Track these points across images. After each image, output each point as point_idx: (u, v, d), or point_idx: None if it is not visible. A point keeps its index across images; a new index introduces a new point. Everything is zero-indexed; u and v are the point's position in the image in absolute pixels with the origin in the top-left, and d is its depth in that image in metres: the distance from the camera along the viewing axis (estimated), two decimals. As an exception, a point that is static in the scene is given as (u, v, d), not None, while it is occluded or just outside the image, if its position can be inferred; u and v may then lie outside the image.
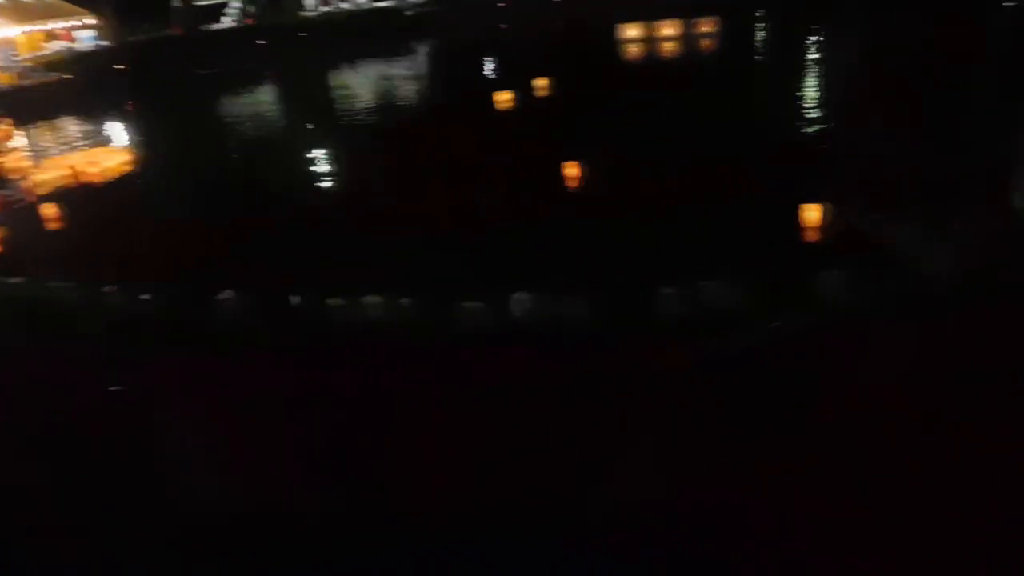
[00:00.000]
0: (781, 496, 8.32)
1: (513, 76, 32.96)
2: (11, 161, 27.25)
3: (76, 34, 54.67)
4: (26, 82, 43.68)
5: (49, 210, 21.83)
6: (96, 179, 25.62)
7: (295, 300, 13.35)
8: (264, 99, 42.59)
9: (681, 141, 21.55)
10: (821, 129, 22.88)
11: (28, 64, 47.11)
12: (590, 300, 11.77)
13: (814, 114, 24.70)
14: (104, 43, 53.98)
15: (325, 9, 65.12)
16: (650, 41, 43.21)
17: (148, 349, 12.76)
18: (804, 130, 23.15)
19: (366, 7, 65.67)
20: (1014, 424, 8.74)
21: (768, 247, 14.49)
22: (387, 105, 37.13)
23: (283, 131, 33.90)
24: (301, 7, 63.64)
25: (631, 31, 44.21)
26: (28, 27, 51.63)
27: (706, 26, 42.78)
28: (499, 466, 9.42)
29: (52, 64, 47.10)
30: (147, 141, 35.04)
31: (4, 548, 9.04)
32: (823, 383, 9.97)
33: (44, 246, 19.72)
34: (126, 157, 28.15)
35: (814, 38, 37.57)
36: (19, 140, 32.97)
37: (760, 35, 44.45)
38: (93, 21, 55.03)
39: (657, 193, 17.58)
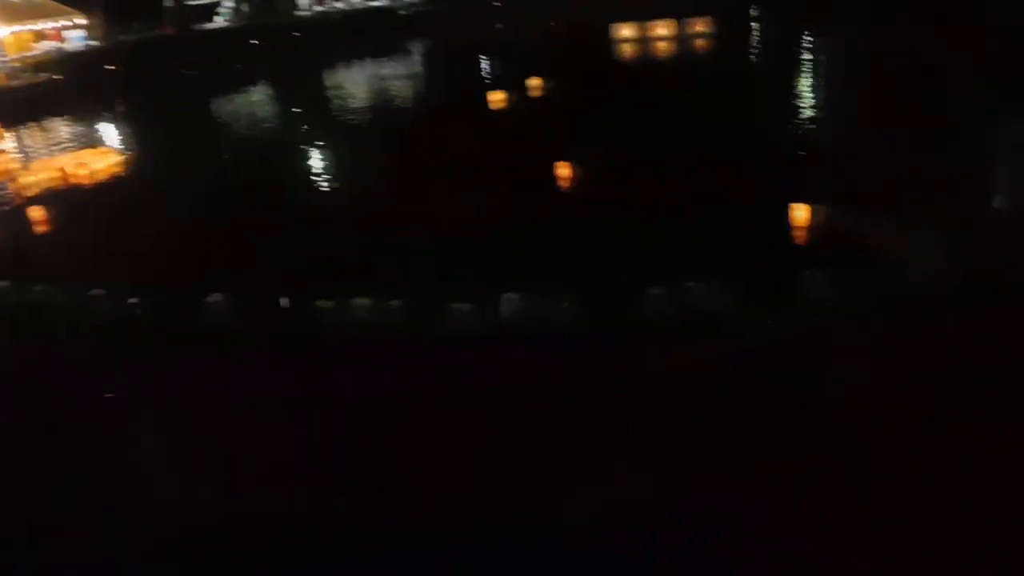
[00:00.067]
0: (782, 496, 8.33)
1: (510, 76, 33.00)
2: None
3: (65, 34, 54.34)
4: (14, 83, 43.32)
5: (37, 212, 21.65)
6: (85, 181, 25.43)
7: (294, 301, 13.27)
8: (257, 99, 42.39)
9: (681, 142, 21.55)
10: (821, 129, 22.97)
11: (16, 65, 46.74)
12: (589, 300, 11.78)
13: (814, 115, 24.81)
14: (94, 43, 53.66)
15: (319, 9, 65.07)
16: (649, 40, 43.18)
17: (146, 350, 12.70)
18: (804, 131, 23.26)
19: (360, 7, 65.67)
20: (1014, 424, 8.78)
21: (768, 248, 14.56)
22: (383, 105, 37.11)
23: (277, 131, 33.74)
24: (295, 7, 63.57)
25: (630, 31, 44.11)
26: (16, 27, 51.27)
27: (705, 26, 42.66)
28: (499, 466, 9.39)
29: (41, 64, 46.72)
30: (138, 142, 34.84)
31: (4, 548, 8.98)
32: (824, 383, 9.98)
33: (31, 248, 19.58)
34: (116, 159, 27.96)
35: (814, 38, 37.62)
36: (7, 142, 32.78)
37: (760, 35, 44.46)
38: (83, 21, 54.69)
39: (657, 193, 17.60)
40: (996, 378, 9.42)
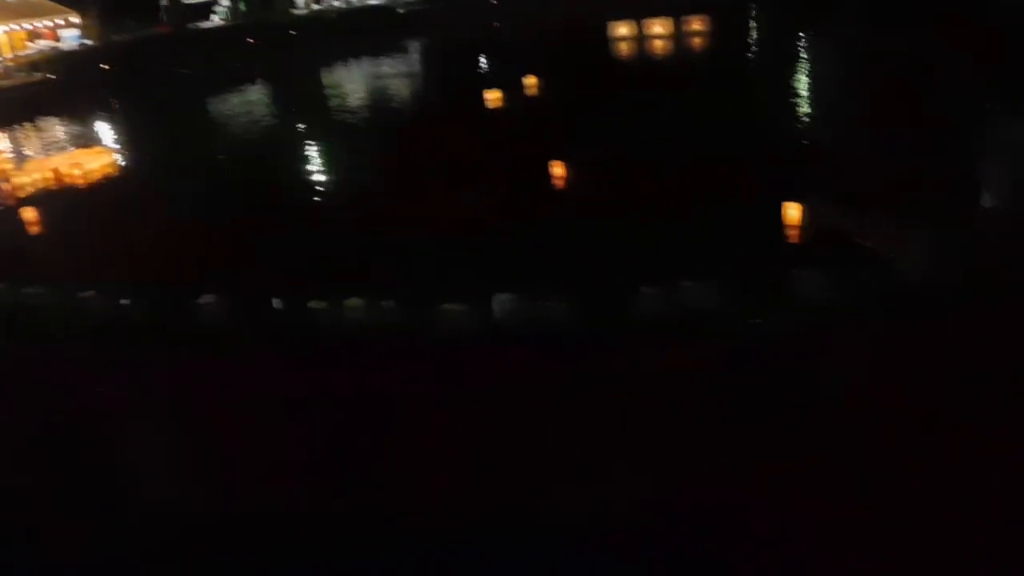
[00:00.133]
0: (781, 496, 8.31)
1: (507, 75, 32.88)
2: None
3: (60, 33, 54.19)
4: (8, 82, 43.24)
5: (30, 213, 21.57)
6: (80, 181, 25.34)
7: (292, 301, 13.24)
8: (253, 99, 42.29)
9: (679, 141, 21.56)
10: (820, 129, 22.99)
11: (11, 64, 46.62)
12: (587, 300, 11.78)
13: (813, 114, 24.85)
14: (88, 42, 53.50)
15: (316, 7, 65.01)
16: (647, 39, 43.11)
17: (144, 350, 12.68)
18: (803, 130, 23.29)
19: (357, 5, 65.60)
20: (1014, 424, 8.77)
21: (767, 247, 14.58)
22: (380, 104, 37.05)
23: (273, 131, 33.67)
24: (292, 5, 63.52)
25: (627, 29, 44.00)
26: (11, 25, 51.13)
27: (703, 24, 42.58)
28: (499, 466, 9.37)
29: (36, 63, 46.59)
30: (133, 142, 34.76)
31: (3, 548, 8.95)
32: (822, 383, 9.98)
33: (24, 249, 19.52)
34: (111, 158, 27.89)
35: (813, 37, 37.65)
36: (1, 142, 32.70)
37: (758, 33, 44.44)
38: (78, 19, 54.53)
39: (655, 193, 17.61)
40: (996, 378, 9.41)
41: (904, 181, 16.29)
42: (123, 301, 13.94)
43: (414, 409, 10.55)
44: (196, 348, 12.66)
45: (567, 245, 15.33)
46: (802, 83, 29.61)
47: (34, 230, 21.01)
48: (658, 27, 43.35)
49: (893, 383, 9.74)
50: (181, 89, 45.17)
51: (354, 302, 12.76)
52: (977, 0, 36.19)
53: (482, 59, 44.01)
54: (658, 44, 42.07)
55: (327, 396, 11.05)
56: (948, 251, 12.16)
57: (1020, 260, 11.98)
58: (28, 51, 50.31)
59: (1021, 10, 32.09)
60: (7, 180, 25.52)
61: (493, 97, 30.17)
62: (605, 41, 43.78)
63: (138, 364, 12.43)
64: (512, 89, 30.96)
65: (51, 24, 53.94)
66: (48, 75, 44.43)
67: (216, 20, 60.89)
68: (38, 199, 23.52)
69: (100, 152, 28.58)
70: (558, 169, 20.15)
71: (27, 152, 31.75)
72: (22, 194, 24.24)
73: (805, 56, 34.73)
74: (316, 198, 22.71)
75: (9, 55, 48.29)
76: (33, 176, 25.61)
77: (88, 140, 33.14)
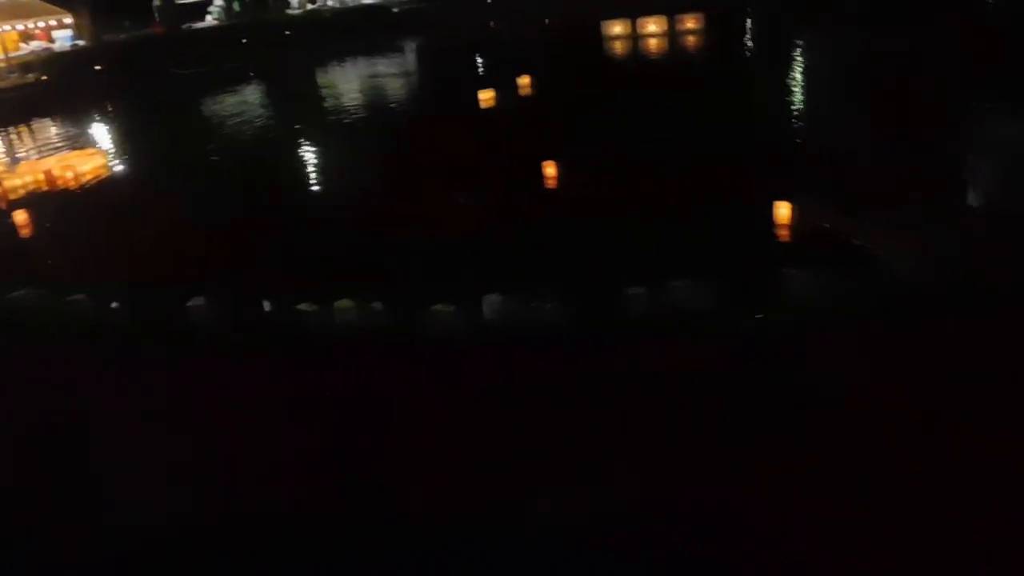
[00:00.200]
0: (781, 496, 8.31)
1: (505, 74, 32.82)
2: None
3: (53, 34, 53.95)
4: (1, 83, 43.05)
5: (21, 216, 21.47)
6: (71, 183, 25.24)
7: (291, 302, 13.22)
8: (248, 99, 42.18)
9: (678, 140, 21.55)
10: (820, 129, 22.98)
11: (3, 65, 46.34)
12: (586, 300, 11.78)
13: (814, 114, 24.85)
14: (81, 43, 53.30)
15: (311, 7, 64.91)
16: (645, 38, 43.01)
17: (143, 351, 12.66)
18: (803, 130, 23.30)
19: (352, 5, 65.49)
20: (1014, 424, 8.78)
21: (766, 247, 14.59)
22: (376, 104, 36.94)
23: (268, 131, 33.59)
24: (287, 5, 63.40)
25: (625, 28, 43.88)
26: (4, 27, 50.89)
27: (702, 23, 42.48)
28: (499, 466, 9.37)
29: (28, 65, 46.38)
30: (126, 143, 34.64)
31: (3, 548, 8.92)
32: (823, 383, 9.97)
33: (17, 251, 19.46)
34: (103, 160, 27.77)
35: (812, 36, 37.64)
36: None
37: (757, 33, 44.41)
38: (71, 20, 54.31)
39: (654, 192, 17.60)
40: (996, 378, 9.42)
41: (904, 181, 16.29)
42: (122, 302, 13.90)
43: (414, 409, 10.54)
44: (196, 349, 12.66)
45: (566, 245, 15.32)
46: (802, 83, 29.58)
47: (25, 233, 20.87)
48: (657, 26, 43.21)
49: (893, 383, 9.75)
50: (175, 90, 45.01)
51: (353, 303, 12.75)
52: (977, 0, 36.25)
53: (479, 59, 43.92)
54: (657, 43, 41.97)
55: (327, 397, 11.06)
56: (948, 251, 12.19)
57: (1020, 260, 12.00)
58: (21, 52, 49.92)
59: (1021, 10, 32.12)
60: None
61: (491, 97, 30.09)
62: (604, 40, 43.66)
63: (137, 365, 12.42)
64: (510, 89, 30.91)
65: (44, 25, 53.68)
66: (41, 76, 44.24)
67: (210, 20, 60.70)
68: (29, 201, 23.38)
69: (93, 154, 28.43)
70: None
71: (19, 154, 31.63)
72: (13, 196, 24.11)
73: (805, 56, 34.68)
74: (313, 199, 22.68)
75: (1, 56, 48.00)
76: (25, 179, 25.43)
77: (81, 142, 32.99)
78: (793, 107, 25.94)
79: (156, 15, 58.00)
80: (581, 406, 10.14)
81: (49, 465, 10.32)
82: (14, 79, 43.83)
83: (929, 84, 24.41)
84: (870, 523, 7.79)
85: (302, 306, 12.94)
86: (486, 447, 9.69)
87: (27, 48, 51.11)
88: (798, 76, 30.84)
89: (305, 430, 10.46)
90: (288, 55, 51.37)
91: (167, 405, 11.49)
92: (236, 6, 61.28)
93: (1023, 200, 15.65)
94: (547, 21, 51.92)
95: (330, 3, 66.58)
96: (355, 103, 36.86)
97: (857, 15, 36.82)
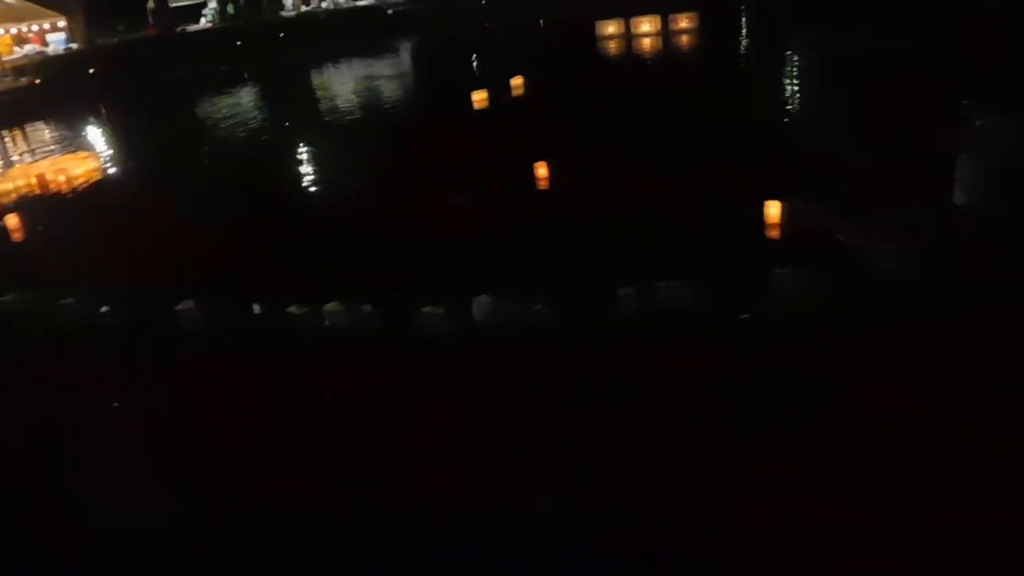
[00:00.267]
0: (781, 496, 8.30)
1: (501, 74, 32.74)
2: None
3: (47, 37, 53.74)
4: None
5: (13, 220, 21.38)
6: (64, 187, 25.16)
7: (289, 303, 13.21)
8: (243, 101, 42.09)
9: (677, 140, 21.50)
10: (821, 128, 22.92)
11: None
12: (585, 300, 11.77)
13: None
14: (75, 46, 53.12)
15: (306, 9, 64.79)
16: (643, 37, 42.90)
17: (142, 352, 12.64)
18: (803, 129, 23.28)
19: (347, 6, 65.40)
20: (1014, 424, 8.78)
21: (765, 247, 14.59)
22: (372, 105, 36.81)
23: (263, 133, 33.50)
24: (281, 7, 63.29)
25: (622, 28, 43.75)
26: (-4, 30, 50.75)
27: (700, 22, 42.41)
28: (499, 466, 9.37)
29: (22, 68, 46.20)
30: (120, 147, 34.53)
31: (3, 548, 8.90)
32: (822, 383, 9.97)
33: (9, 255, 19.41)
34: (96, 164, 27.70)
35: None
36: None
37: (756, 32, 44.36)
38: (64, 24, 54.09)
39: (653, 192, 17.56)
40: (996, 378, 9.43)
41: (905, 181, 16.27)
42: (120, 303, 13.87)
43: (413, 409, 10.55)
44: (195, 349, 12.66)
45: (565, 245, 15.31)
46: (801, 82, 29.56)
47: (17, 236, 20.78)
48: (654, 25, 43.13)
49: (893, 383, 9.76)
50: (169, 92, 44.88)
51: (353, 303, 12.74)
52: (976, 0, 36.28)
53: (475, 59, 43.87)
54: (654, 43, 41.92)
55: (326, 398, 11.06)
56: (950, 251, 12.21)
57: (1019, 259, 12.02)
58: (14, 56, 49.69)
59: (1021, 10, 32.12)
60: None
61: (487, 97, 30.05)
62: (601, 40, 43.60)
63: (137, 365, 12.42)
64: (506, 89, 30.88)
65: (38, 28, 53.44)
66: (35, 80, 44.07)
67: (204, 23, 60.54)
68: (22, 205, 23.30)
69: (86, 157, 28.34)
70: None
71: (12, 158, 31.55)
72: (5, 201, 24.03)
73: (802, 55, 34.67)
74: (310, 199, 22.62)
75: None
76: (16, 183, 25.35)
77: (74, 145, 32.86)
78: (793, 107, 25.93)
79: (150, 18, 57.82)
80: (581, 406, 10.14)
81: (49, 465, 10.31)
82: (8, 83, 43.63)
83: (929, 84, 24.38)
84: (870, 523, 7.79)
85: (301, 306, 12.93)
86: (486, 447, 9.69)
87: (20, 52, 50.83)
88: (797, 76, 30.82)
89: (305, 430, 10.46)
90: (283, 57, 51.26)
91: (167, 405, 11.49)
92: (230, 8, 61.13)
93: (1021, 199, 15.67)
94: (543, 21, 51.83)
95: (324, 5, 66.48)
96: (351, 104, 36.80)
97: (857, 15, 36.77)
